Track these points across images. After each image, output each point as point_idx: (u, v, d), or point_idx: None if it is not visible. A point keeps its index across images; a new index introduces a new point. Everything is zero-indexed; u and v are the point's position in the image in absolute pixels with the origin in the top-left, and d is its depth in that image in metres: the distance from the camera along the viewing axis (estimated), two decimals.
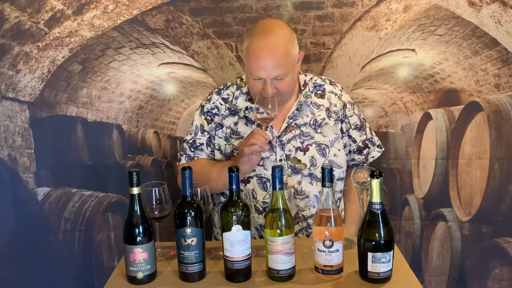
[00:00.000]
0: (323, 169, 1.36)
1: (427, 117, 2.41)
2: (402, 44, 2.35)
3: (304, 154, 1.75)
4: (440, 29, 2.31)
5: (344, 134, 1.82)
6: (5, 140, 2.40)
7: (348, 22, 2.32)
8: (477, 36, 2.30)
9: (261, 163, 1.74)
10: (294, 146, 1.76)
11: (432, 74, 2.37)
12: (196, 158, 1.83)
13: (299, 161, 1.75)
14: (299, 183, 1.75)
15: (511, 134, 2.34)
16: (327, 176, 1.36)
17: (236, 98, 1.82)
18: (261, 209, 1.76)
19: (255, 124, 1.77)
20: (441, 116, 2.40)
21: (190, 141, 1.85)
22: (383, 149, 1.92)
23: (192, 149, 1.84)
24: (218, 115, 1.82)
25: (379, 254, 1.33)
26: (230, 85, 1.86)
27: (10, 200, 2.41)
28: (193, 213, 1.37)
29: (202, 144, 1.84)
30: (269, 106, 1.62)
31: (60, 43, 2.35)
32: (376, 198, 1.33)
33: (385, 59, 2.37)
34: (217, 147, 1.81)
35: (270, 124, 1.74)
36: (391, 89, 2.41)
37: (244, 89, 1.81)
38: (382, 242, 1.33)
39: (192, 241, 1.37)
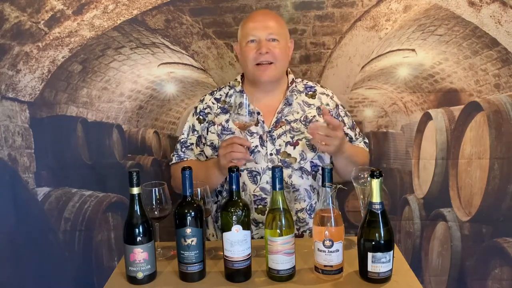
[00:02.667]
0: (323, 169, 1.36)
1: (427, 117, 2.41)
2: (402, 44, 2.35)
3: (294, 148, 1.79)
4: (440, 29, 2.31)
5: None
6: (5, 140, 2.40)
7: (348, 22, 2.32)
8: (477, 36, 2.30)
9: (251, 157, 1.78)
10: (284, 141, 1.80)
11: (432, 74, 2.37)
12: (185, 159, 1.88)
13: (289, 155, 1.79)
14: (290, 176, 1.79)
15: (511, 134, 2.34)
16: (327, 176, 1.36)
17: (230, 96, 1.89)
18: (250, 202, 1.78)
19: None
20: (441, 116, 2.40)
21: (182, 141, 1.91)
22: (367, 150, 1.97)
23: (183, 149, 1.89)
24: (210, 114, 1.88)
25: (379, 254, 1.33)
26: (223, 87, 1.94)
27: (10, 200, 2.41)
28: (193, 213, 1.37)
29: (192, 144, 1.89)
30: (249, 109, 1.62)
31: (60, 43, 2.35)
32: (376, 198, 1.33)
33: (385, 59, 2.37)
34: (209, 143, 1.84)
35: (262, 119, 1.81)
36: (391, 89, 2.41)
37: (238, 88, 1.89)
38: (382, 242, 1.33)
39: (192, 241, 1.37)
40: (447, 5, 2.28)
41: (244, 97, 1.64)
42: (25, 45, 2.34)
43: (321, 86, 1.95)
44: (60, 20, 2.33)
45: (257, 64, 1.76)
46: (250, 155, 1.76)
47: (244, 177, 1.78)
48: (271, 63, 1.76)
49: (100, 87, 2.42)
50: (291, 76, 1.91)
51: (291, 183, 1.79)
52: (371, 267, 1.35)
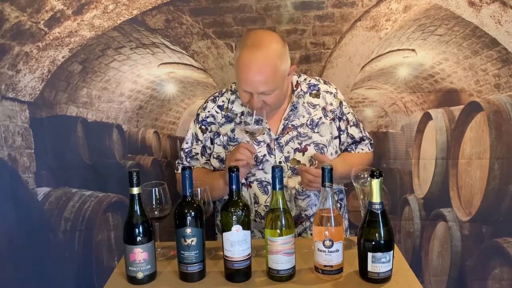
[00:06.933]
0: (323, 168, 1.36)
1: (427, 117, 2.41)
2: (402, 44, 2.35)
3: (303, 154, 1.76)
4: (440, 29, 2.31)
5: (342, 132, 1.84)
6: (5, 140, 2.40)
7: (348, 22, 2.32)
8: (477, 36, 2.30)
9: (260, 167, 1.76)
10: (292, 148, 1.77)
11: (432, 74, 2.38)
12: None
13: (298, 162, 1.76)
14: (300, 183, 1.75)
15: (511, 134, 2.34)
16: (327, 176, 1.36)
17: (232, 102, 1.83)
18: (263, 214, 1.76)
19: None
20: (441, 116, 2.40)
21: (186, 150, 1.87)
22: (372, 150, 1.95)
23: (188, 159, 1.86)
24: (214, 124, 1.83)
25: (379, 254, 1.33)
26: (225, 92, 1.87)
27: (10, 200, 2.41)
28: (193, 213, 1.37)
29: (197, 153, 1.86)
30: (255, 118, 1.65)
31: (60, 43, 2.35)
32: (376, 198, 1.33)
33: (385, 59, 2.37)
34: (215, 156, 1.81)
35: (268, 127, 1.76)
36: (391, 89, 2.41)
37: None
38: (382, 242, 1.33)
39: (192, 241, 1.37)
40: (447, 5, 2.28)
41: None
42: (25, 45, 2.34)
43: (324, 82, 1.88)
44: (60, 20, 2.33)
45: None
46: (259, 165, 1.75)
47: (255, 188, 1.76)
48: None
49: (100, 87, 2.42)
50: (295, 78, 1.84)
51: (302, 190, 1.76)
52: (371, 267, 1.35)
